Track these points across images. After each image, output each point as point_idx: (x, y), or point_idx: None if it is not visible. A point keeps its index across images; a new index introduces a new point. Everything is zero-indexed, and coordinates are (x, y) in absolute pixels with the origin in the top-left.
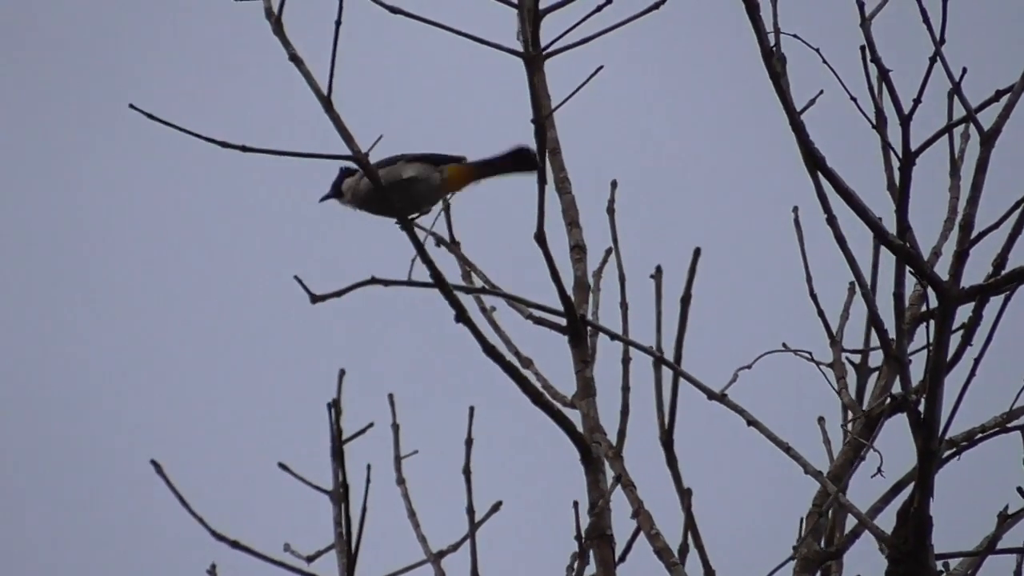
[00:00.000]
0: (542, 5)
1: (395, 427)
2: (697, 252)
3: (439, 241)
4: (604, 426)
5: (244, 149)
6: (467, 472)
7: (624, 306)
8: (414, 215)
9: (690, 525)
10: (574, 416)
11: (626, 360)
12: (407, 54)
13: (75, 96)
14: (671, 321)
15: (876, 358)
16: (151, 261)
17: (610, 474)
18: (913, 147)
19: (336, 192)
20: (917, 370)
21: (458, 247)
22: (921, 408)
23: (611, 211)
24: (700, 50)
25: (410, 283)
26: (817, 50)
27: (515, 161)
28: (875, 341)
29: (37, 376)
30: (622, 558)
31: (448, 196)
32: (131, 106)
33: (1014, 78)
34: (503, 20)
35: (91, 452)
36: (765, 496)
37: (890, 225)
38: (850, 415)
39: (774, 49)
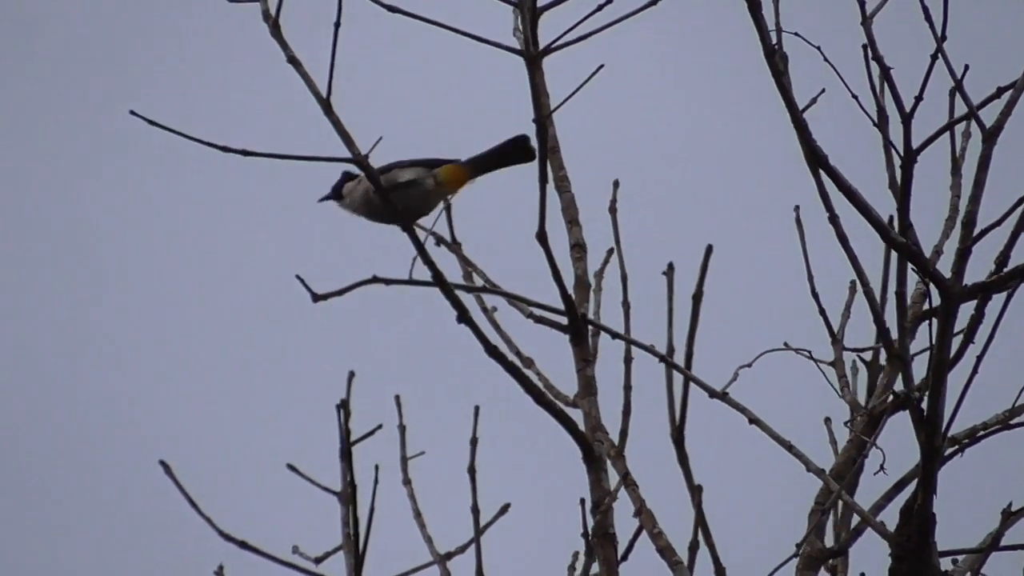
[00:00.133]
0: (540, 2)
1: (402, 428)
2: (709, 249)
3: (439, 240)
4: (606, 425)
5: (245, 153)
6: (472, 471)
7: (626, 305)
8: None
9: (700, 522)
10: (576, 415)
11: (628, 359)
12: (406, 54)
13: (75, 101)
14: (677, 319)
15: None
16: (154, 264)
17: (612, 473)
18: (915, 145)
19: (336, 195)
20: (920, 368)
21: (460, 248)
22: (924, 406)
23: (613, 210)
24: (701, 48)
25: (411, 282)
26: (818, 48)
27: (514, 149)
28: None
29: (46, 377)
30: (624, 557)
31: (448, 198)
32: (132, 112)
33: (1015, 75)
34: (500, 18)
35: (99, 453)
36: (768, 494)
37: (892, 223)
38: (852, 413)
39: (776, 47)
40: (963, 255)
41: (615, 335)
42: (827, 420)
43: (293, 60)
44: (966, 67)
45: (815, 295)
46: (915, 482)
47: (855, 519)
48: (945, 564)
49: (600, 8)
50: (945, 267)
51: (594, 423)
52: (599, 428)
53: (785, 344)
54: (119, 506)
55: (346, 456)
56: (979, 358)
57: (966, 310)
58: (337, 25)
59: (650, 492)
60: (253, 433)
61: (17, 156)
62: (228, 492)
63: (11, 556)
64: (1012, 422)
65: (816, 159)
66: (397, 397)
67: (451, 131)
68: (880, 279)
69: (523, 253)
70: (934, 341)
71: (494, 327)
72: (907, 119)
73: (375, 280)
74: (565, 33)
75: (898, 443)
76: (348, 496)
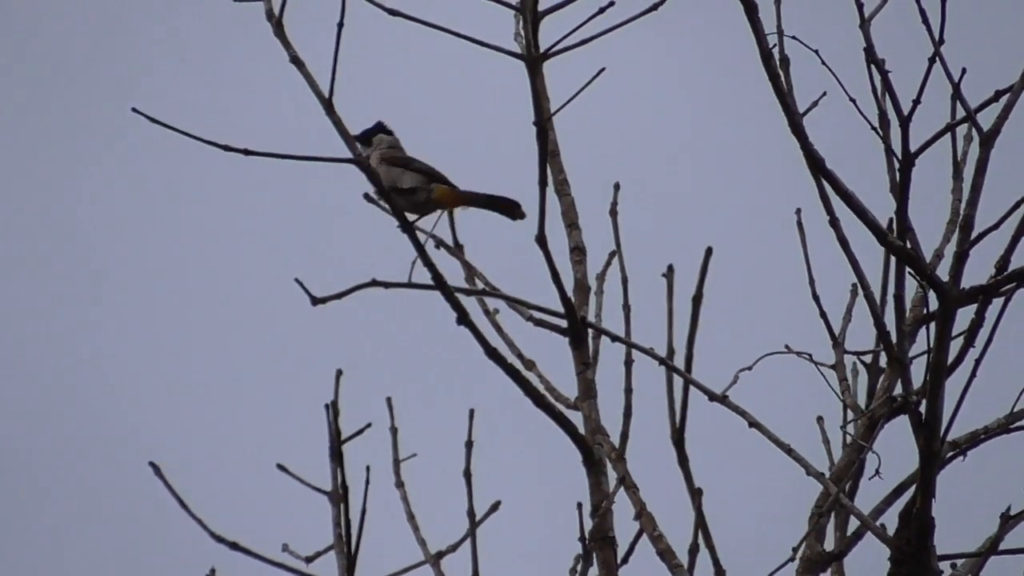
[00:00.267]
0: (541, 6)
1: (393, 430)
2: (709, 251)
3: (439, 243)
4: (606, 428)
5: (246, 153)
6: (467, 474)
7: (627, 308)
8: (414, 218)
9: (701, 525)
10: (576, 418)
11: (628, 362)
12: (407, 56)
13: (77, 100)
14: (677, 321)
15: (881, 359)
16: (152, 264)
17: (612, 476)
18: (913, 148)
19: (366, 139)
20: (919, 372)
21: (462, 251)
22: (922, 410)
23: (613, 213)
24: (702, 51)
25: (411, 285)
26: (816, 52)
27: (508, 205)
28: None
29: (38, 377)
30: (625, 560)
31: (438, 212)
32: (134, 110)
33: (1014, 78)
34: (501, 22)
35: (90, 454)
36: (767, 498)
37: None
38: (851, 416)
39: (775, 51)
40: (960, 259)
41: (615, 338)
42: (819, 419)
43: (296, 60)
44: (963, 70)
45: (816, 298)
46: (914, 486)
47: (854, 523)
48: (944, 568)
49: (601, 12)
50: (945, 271)
51: (594, 426)
52: (599, 431)
53: (786, 347)
54: (110, 507)
55: (336, 456)
56: (978, 361)
57: (967, 313)
58: (340, 26)
59: (651, 495)
60: (246, 434)
61: (17, 155)
62: (219, 493)
63: (3, 557)
64: (1011, 426)
65: (814, 163)
66: (388, 399)
67: (452, 134)
68: (880, 281)
69: (523, 256)
70: (932, 345)
71: (496, 329)
72: (905, 122)
73: (374, 283)
74: (566, 37)
75: (898, 447)
76: (339, 496)
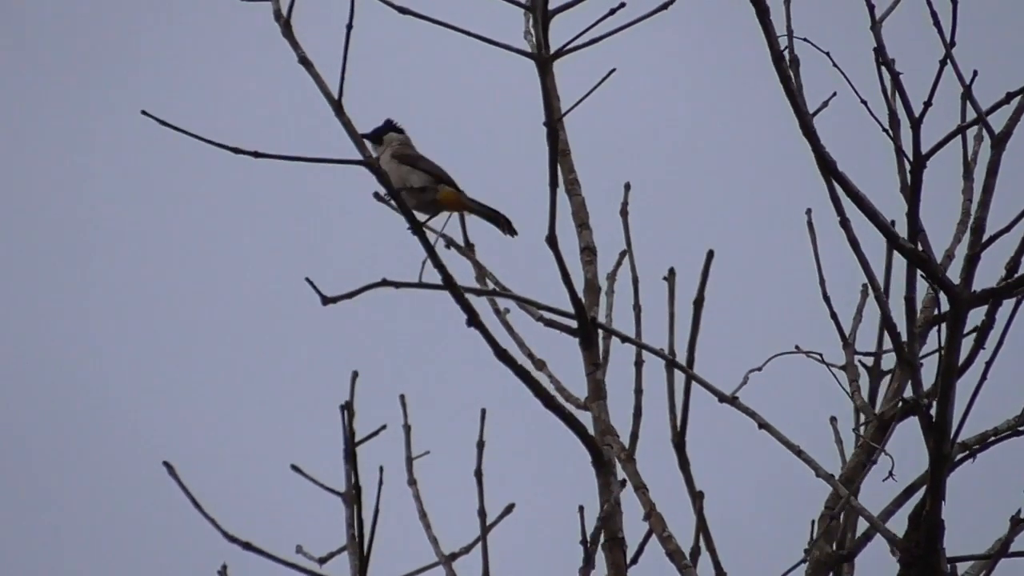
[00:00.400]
0: (551, 5)
1: (407, 428)
2: (710, 255)
3: (449, 243)
4: (617, 428)
5: (256, 155)
6: (479, 474)
7: (637, 308)
8: (424, 218)
9: (702, 528)
10: (586, 419)
11: (639, 363)
12: (417, 56)
13: (87, 102)
14: (684, 323)
15: (889, 361)
16: (163, 264)
17: (622, 477)
18: (924, 150)
19: (377, 137)
20: (929, 373)
21: (472, 251)
22: (933, 412)
23: (624, 213)
24: (713, 52)
25: (421, 285)
26: (827, 53)
27: (504, 221)
28: (887, 344)
29: (50, 378)
30: (634, 560)
31: (445, 213)
32: (143, 112)
33: None
34: (511, 21)
35: (103, 454)
36: (777, 499)
37: (903, 228)
38: (862, 418)
39: (787, 52)
40: (972, 261)
41: (624, 339)
42: (833, 419)
43: (305, 61)
44: (975, 72)
45: (827, 299)
46: (924, 488)
47: (863, 524)
48: (953, 570)
49: (612, 12)
50: (957, 273)
51: (604, 427)
52: (609, 432)
53: (796, 347)
54: (123, 507)
55: (350, 457)
56: (988, 363)
57: (977, 315)
58: (349, 27)
59: (661, 496)
60: (260, 434)
61: (25, 156)
62: (232, 493)
63: (16, 557)
64: (1022, 428)
65: (825, 165)
66: (402, 396)
67: (461, 134)
68: (883, 282)
69: (534, 257)
70: (943, 347)
71: (507, 329)
72: (916, 124)
73: (384, 283)
74: (576, 36)
75: (908, 449)
76: (352, 497)
